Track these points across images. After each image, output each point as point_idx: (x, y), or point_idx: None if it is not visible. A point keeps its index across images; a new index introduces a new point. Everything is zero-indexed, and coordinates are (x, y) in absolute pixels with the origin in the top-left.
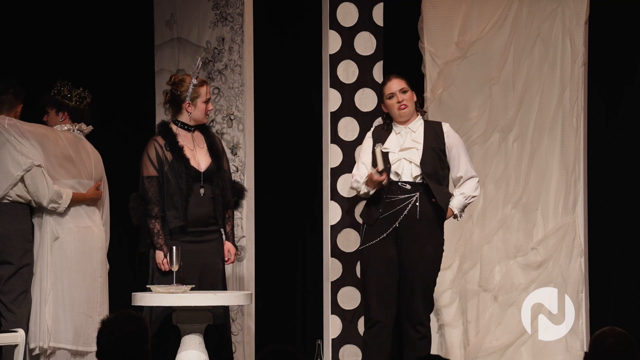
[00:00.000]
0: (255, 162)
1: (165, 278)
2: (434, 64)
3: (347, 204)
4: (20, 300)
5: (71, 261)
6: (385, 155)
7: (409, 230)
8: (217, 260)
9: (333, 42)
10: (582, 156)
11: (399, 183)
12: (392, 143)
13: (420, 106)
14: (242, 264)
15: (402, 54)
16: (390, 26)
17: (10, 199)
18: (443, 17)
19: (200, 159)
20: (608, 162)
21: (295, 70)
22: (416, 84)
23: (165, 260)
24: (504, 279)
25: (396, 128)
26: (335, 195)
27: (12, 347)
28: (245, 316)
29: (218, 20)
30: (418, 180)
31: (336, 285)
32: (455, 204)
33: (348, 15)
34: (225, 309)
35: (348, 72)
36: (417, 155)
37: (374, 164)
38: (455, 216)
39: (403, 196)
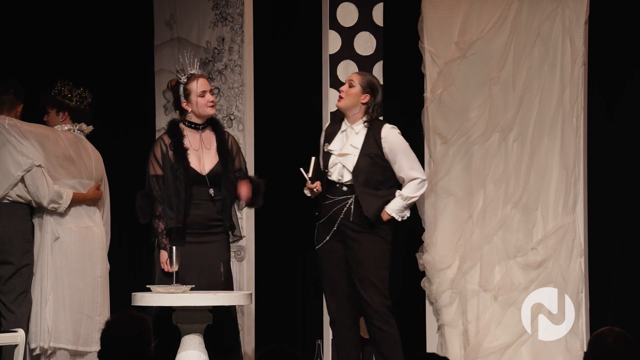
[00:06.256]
0: (255, 162)
1: (168, 279)
2: (434, 64)
3: None
4: (20, 300)
5: (71, 261)
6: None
7: (347, 230)
8: (217, 263)
9: (333, 42)
10: (582, 156)
11: (337, 185)
12: (336, 144)
13: (418, 107)
14: (242, 264)
15: (402, 54)
16: (390, 26)
17: (11, 199)
18: (443, 17)
19: (205, 161)
20: (608, 162)
21: (295, 70)
22: (416, 84)
23: (167, 260)
24: (504, 279)
25: (344, 124)
26: None
27: (12, 347)
28: (245, 316)
29: (218, 20)
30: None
31: None
32: (391, 206)
33: (348, 15)
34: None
35: (348, 72)
36: (351, 161)
37: (312, 169)
38: (393, 218)
39: (340, 197)
